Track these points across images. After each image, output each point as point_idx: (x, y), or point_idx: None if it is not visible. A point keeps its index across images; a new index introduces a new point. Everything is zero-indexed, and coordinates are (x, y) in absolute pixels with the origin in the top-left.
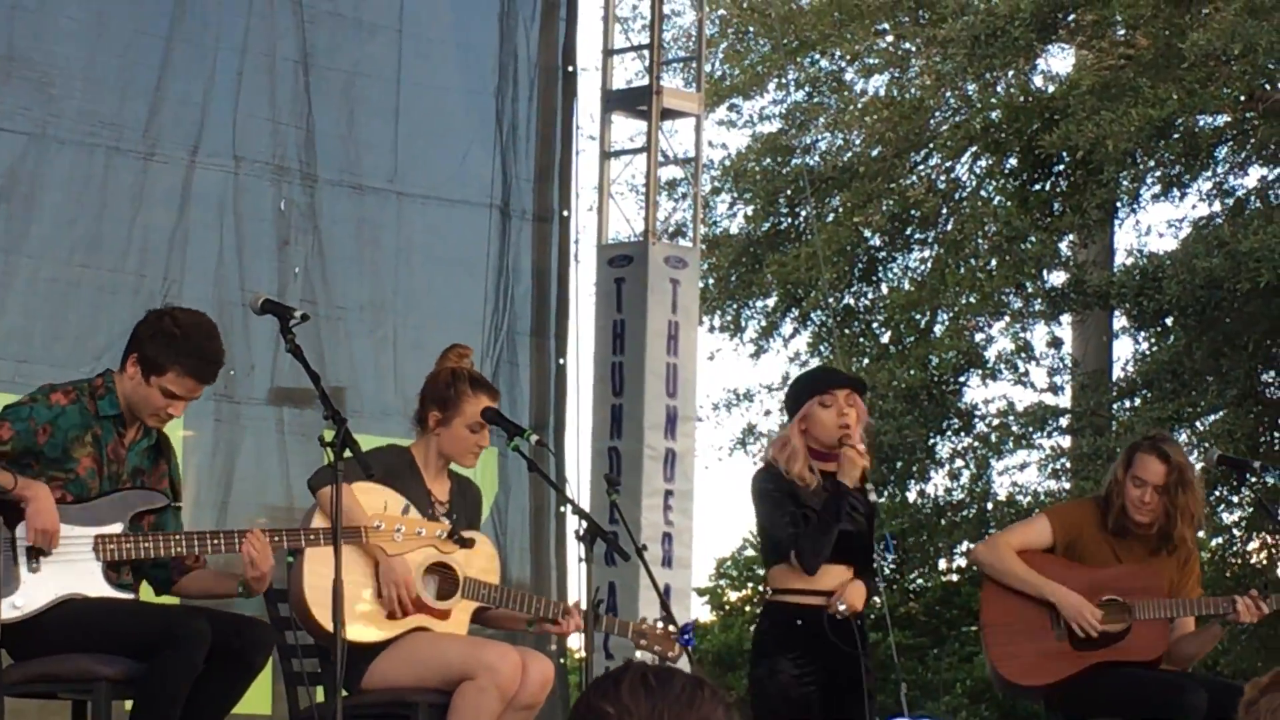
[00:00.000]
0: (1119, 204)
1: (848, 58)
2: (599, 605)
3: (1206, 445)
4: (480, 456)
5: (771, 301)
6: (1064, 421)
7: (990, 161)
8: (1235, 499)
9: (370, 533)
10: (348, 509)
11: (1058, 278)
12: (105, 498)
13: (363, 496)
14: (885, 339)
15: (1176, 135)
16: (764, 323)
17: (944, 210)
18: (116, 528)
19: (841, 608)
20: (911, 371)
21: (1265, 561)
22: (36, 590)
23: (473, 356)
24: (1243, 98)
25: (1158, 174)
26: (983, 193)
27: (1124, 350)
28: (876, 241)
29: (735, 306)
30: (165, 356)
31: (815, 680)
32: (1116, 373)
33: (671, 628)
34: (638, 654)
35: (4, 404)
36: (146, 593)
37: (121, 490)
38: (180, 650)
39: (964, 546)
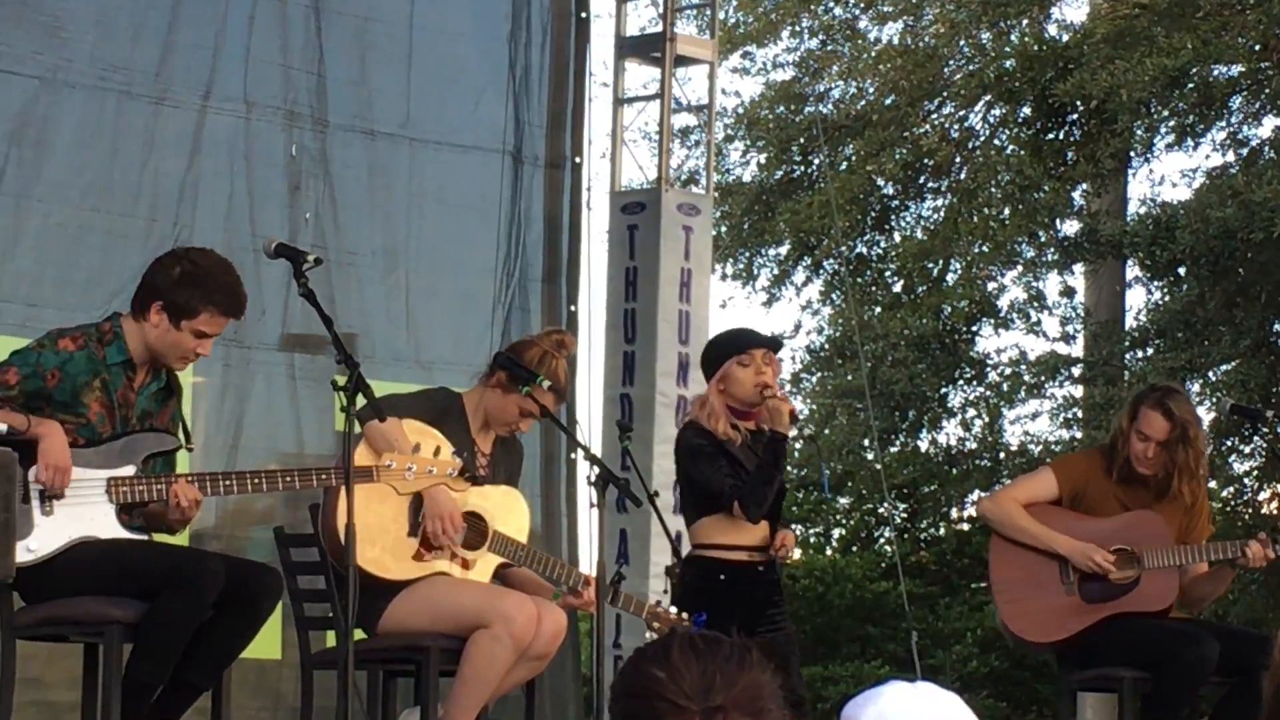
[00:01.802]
0: (1133, 153)
1: (862, 5)
2: (618, 582)
3: (1219, 395)
4: None
5: (784, 249)
6: (1076, 371)
7: (1004, 110)
8: (1247, 449)
9: (381, 472)
10: (398, 445)
11: (1071, 227)
12: (117, 440)
13: (414, 436)
14: (898, 288)
15: (1191, 85)
16: (776, 271)
17: (957, 159)
18: (129, 470)
19: (795, 554)
20: (924, 320)
21: (1276, 511)
22: (50, 533)
23: (573, 349)
24: (1257, 47)
25: (1172, 123)
26: (996, 141)
27: (1137, 300)
28: (889, 190)
29: (748, 254)
30: (196, 299)
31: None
32: (1129, 322)
33: (685, 615)
34: (648, 635)
35: (13, 348)
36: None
37: (132, 433)
38: (189, 590)
39: (975, 495)
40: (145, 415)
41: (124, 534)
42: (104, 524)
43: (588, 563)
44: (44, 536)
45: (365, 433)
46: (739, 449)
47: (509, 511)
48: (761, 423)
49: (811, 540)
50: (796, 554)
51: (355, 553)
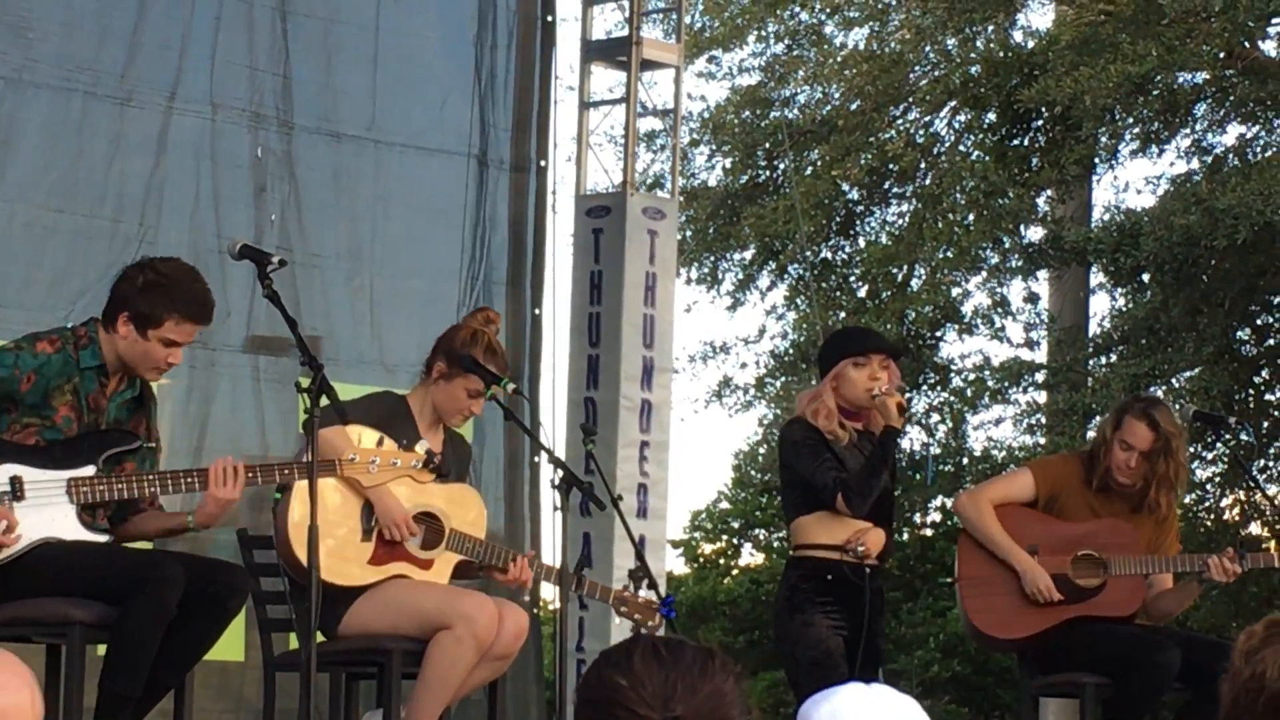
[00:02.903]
0: (1097, 160)
1: (827, 10)
2: (581, 569)
3: (1182, 401)
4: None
5: (749, 254)
6: (1040, 377)
7: (969, 116)
8: (1209, 456)
9: (345, 465)
10: (341, 451)
11: (1035, 233)
12: (75, 441)
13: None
14: (862, 293)
15: (1155, 92)
16: (741, 275)
17: (922, 165)
18: (88, 470)
19: (860, 549)
20: (888, 326)
21: (1238, 518)
22: None
23: (499, 324)
24: (1222, 55)
25: (1136, 130)
26: (961, 147)
27: (1101, 306)
28: (854, 195)
29: (712, 259)
30: (159, 307)
31: (845, 633)
32: (1093, 329)
33: (653, 597)
34: (616, 620)
35: None
36: None
37: (90, 433)
38: (152, 594)
39: (938, 501)
40: (116, 423)
41: (86, 535)
42: (65, 525)
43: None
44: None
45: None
46: (845, 448)
47: (464, 508)
48: (870, 425)
49: (775, 544)
50: (866, 549)
51: (318, 556)
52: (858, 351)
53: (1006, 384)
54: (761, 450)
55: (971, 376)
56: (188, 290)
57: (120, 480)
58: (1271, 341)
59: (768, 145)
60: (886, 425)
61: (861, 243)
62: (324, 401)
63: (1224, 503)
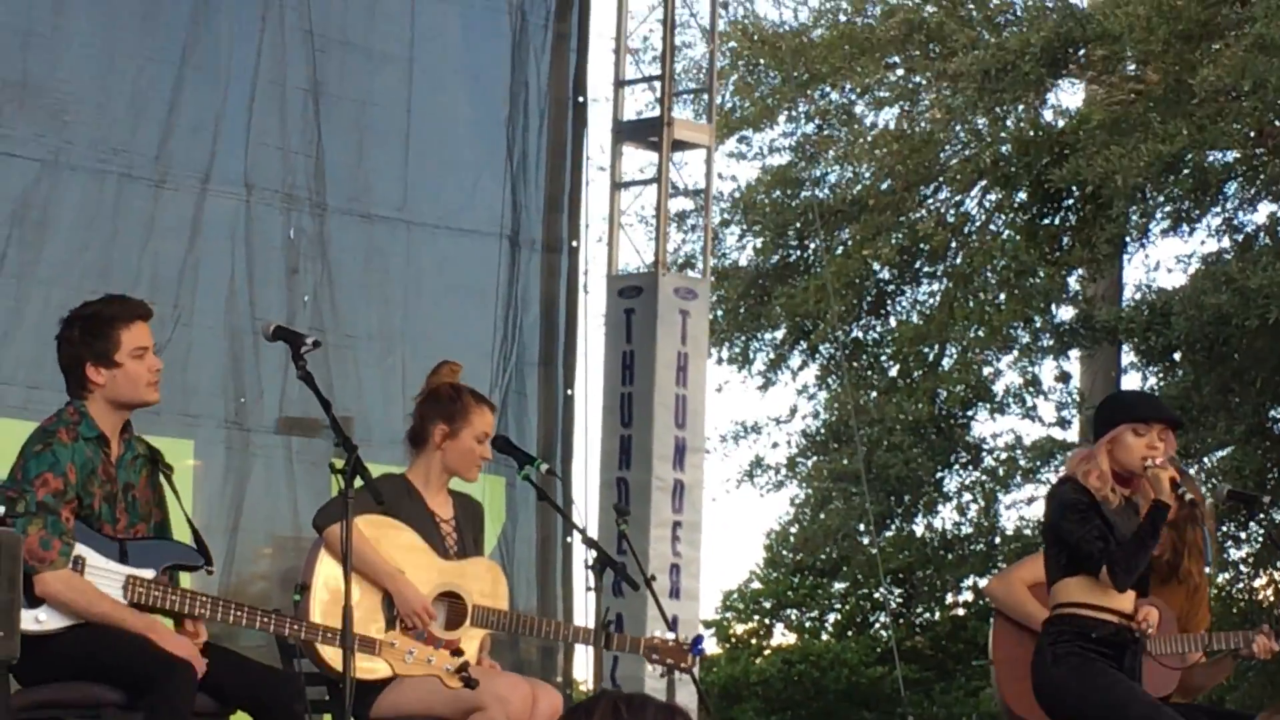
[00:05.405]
0: (1128, 239)
1: (858, 91)
2: (608, 625)
3: (1215, 481)
4: (489, 487)
5: (780, 334)
6: None
7: (999, 195)
8: (1243, 535)
9: (384, 646)
10: (361, 552)
11: (1066, 312)
12: (143, 541)
13: (372, 531)
14: (893, 372)
15: (1186, 171)
16: (772, 355)
17: (953, 244)
18: (149, 573)
19: (1149, 630)
20: (919, 405)
21: (1272, 598)
22: (57, 610)
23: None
24: (1252, 134)
25: (1167, 209)
26: (992, 227)
27: (1132, 385)
28: (885, 275)
29: (744, 338)
30: (105, 330)
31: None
32: None
33: (682, 637)
34: (649, 668)
35: (13, 431)
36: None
37: (161, 539)
38: (164, 694)
39: (970, 581)
40: (128, 487)
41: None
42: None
43: (581, 648)
44: (52, 611)
45: (326, 539)
46: (1114, 511)
47: (484, 582)
48: (1138, 496)
49: (807, 624)
50: (1152, 629)
51: (352, 637)
52: (1140, 418)
53: (1039, 463)
54: (793, 530)
55: (1003, 456)
56: (114, 305)
57: (174, 592)
58: None
59: (798, 225)
60: (1156, 500)
61: (893, 322)
62: (358, 483)
63: (1257, 582)
